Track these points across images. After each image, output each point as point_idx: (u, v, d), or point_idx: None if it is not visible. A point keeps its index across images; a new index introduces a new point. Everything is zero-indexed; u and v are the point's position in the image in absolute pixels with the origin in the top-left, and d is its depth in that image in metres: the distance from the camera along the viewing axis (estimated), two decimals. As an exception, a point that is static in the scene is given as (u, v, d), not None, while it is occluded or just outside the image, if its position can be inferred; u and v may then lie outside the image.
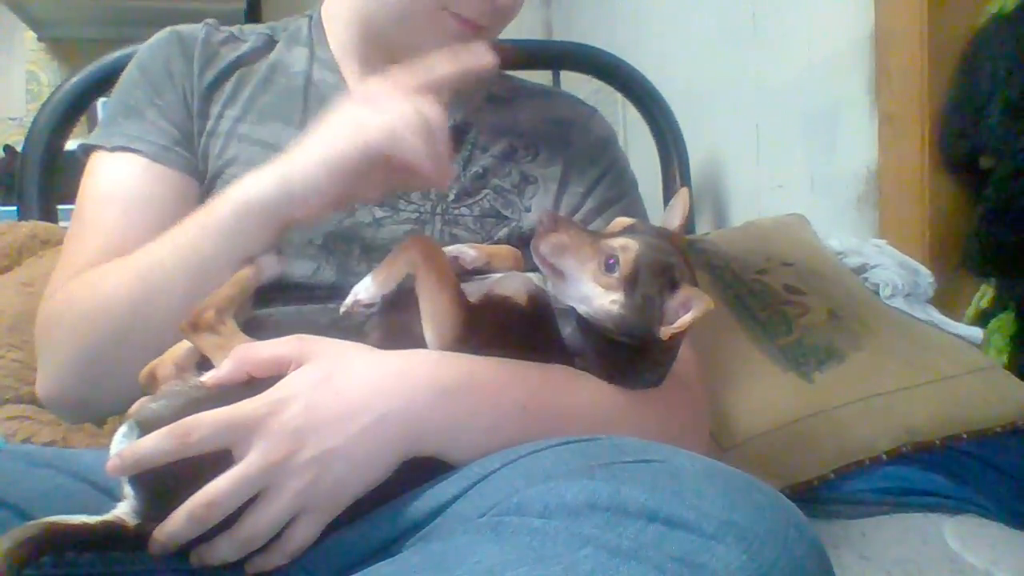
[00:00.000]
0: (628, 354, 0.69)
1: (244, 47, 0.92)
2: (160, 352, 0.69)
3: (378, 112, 0.68)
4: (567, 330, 0.69)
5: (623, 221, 0.72)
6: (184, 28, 0.92)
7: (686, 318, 0.64)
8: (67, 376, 0.77)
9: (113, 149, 0.86)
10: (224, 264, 0.71)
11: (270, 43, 0.94)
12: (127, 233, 0.81)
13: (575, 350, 0.70)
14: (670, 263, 0.66)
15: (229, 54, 0.91)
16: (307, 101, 0.90)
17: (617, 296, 0.65)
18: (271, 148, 0.84)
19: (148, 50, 0.91)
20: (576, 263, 0.66)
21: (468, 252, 0.74)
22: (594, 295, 0.66)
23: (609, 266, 0.65)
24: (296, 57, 0.93)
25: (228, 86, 0.89)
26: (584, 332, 0.69)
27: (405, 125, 0.66)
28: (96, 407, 0.82)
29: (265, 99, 0.89)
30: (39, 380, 0.80)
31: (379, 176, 0.70)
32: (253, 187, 0.72)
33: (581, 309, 0.67)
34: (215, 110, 0.88)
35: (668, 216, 0.74)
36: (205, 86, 0.89)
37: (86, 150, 0.88)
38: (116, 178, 0.85)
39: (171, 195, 0.85)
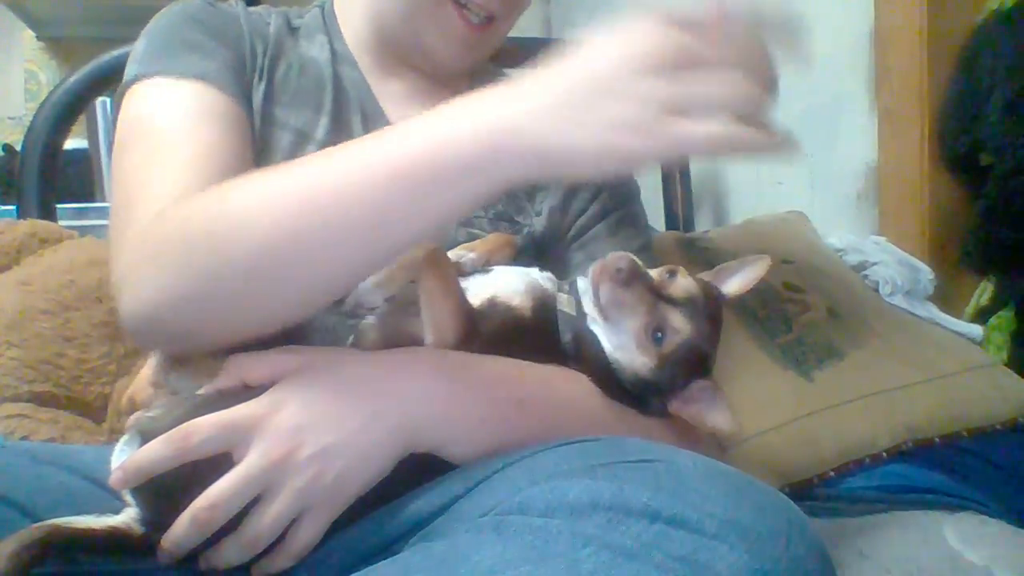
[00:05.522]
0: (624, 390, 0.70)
1: (271, 29, 0.89)
2: (295, 301, 0.62)
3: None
4: (567, 336, 0.69)
5: (684, 282, 0.69)
6: (216, 2, 0.88)
7: (698, 418, 0.67)
8: (172, 302, 0.62)
9: (185, 77, 0.77)
10: (408, 227, 0.58)
11: (290, 28, 0.92)
12: (236, 152, 0.74)
13: (571, 356, 0.70)
14: (708, 355, 0.68)
15: (268, 31, 0.88)
16: (336, 92, 0.88)
17: (650, 363, 0.67)
18: (303, 136, 0.83)
19: (193, 6, 0.85)
20: (627, 318, 0.67)
21: (469, 256, 0.74)
22: (630, 351, 0.67)
23: (656, 338, 0.66)
24: (319, 47, 0.91)
25: (265, 62, 0.86)
26: (591, 354, 0.69)
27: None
28: (191, 343, 0.65)
29: (295, 84, 0.86)
30: (128, 302, 0.65)
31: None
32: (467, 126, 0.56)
33: (608, 349, 0.68)
34: (250, 79, 0.84)
35: (728, 276, 0.74)
36: (250, 54, 0.85)
37: (133, 80, 0.78)
38: (203, 101, 0.76)
39: (249, 142, 0.79)
